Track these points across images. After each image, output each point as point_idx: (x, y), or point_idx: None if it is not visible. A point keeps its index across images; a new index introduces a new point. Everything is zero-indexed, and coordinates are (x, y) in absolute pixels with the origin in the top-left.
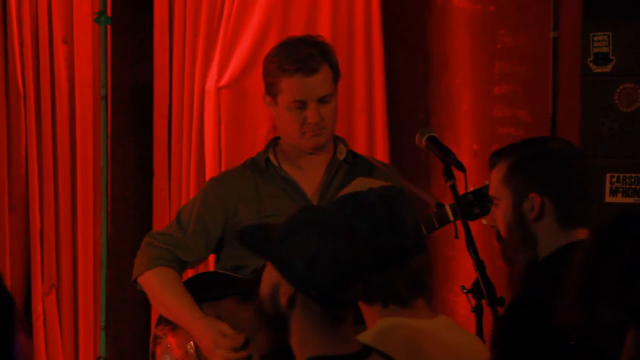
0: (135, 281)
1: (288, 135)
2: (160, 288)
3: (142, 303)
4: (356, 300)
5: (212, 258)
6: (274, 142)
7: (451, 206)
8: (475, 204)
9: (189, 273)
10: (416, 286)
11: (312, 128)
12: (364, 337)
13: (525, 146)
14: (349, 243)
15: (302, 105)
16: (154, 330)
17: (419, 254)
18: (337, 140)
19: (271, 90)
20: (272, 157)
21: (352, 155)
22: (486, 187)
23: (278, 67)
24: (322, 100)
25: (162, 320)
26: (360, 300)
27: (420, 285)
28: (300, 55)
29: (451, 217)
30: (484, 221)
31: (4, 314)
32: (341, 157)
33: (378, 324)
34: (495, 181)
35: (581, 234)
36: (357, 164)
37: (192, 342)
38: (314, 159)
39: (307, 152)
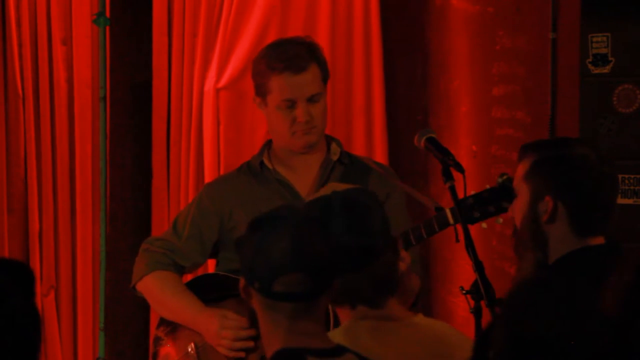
0: (134, 288)
1: (278, 136)
2: (161, 290)
3: (141, 304)
4: (309, 297)
5: (212, 262)
6: (268, 145)
7: (451, 209)
8: (476, 207)
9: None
10: (384, 286)
11: (302, 127)
12: (333, 335)
13: (551, 146)
14: (299, 239)
15: (291, 104)
16: (155, 332)
17: (386, 255)
18: (330, 140)
19: (261, 91)
20: (266, 160)
21: (347, 156)
22: (486, 190)
23: (267, 66)
24: (311, 100)
25: (164, 322)
26: (331, 303)
27: (388, 284)
28: (289, 54)
29: (451, 221)
30: (483, 225)
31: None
32: (335, 157)
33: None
34: (518, 175)
35: (596, 240)
36: (353, 166)
37: (192, 344)
38: (306, 159)
39: (298, 152)
